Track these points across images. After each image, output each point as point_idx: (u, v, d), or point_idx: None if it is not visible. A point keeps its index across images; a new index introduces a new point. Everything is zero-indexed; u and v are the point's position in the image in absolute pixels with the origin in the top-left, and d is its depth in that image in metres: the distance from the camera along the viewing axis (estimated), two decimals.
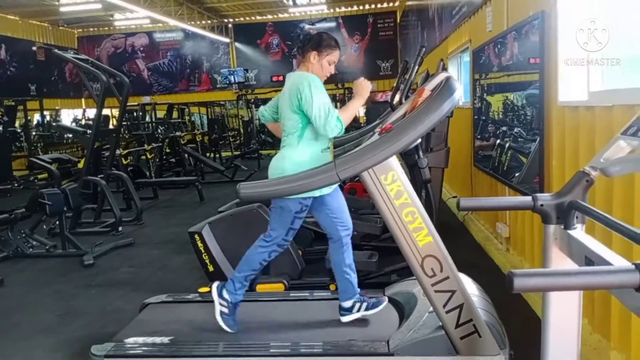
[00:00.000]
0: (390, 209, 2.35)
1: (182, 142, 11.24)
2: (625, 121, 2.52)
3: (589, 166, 1.65)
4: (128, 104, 7.61)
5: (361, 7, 18.94)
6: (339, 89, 16.49)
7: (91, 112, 18.65)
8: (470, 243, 5.33)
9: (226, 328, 2.91)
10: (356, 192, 6.35)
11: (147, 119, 15.42)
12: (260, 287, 3.73)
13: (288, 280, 3.80)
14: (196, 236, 3.95)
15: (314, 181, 2.34)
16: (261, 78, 19.29)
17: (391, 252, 4.20)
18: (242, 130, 18.24)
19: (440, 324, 2.40)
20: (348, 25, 19.06)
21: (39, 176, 10.79)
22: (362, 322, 2.90)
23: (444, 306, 2.34)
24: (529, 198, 1.68)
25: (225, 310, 2.93)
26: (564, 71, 3.28)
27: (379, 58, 18.94)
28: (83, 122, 17.27)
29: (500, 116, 4.89)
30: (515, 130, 4.43)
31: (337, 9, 19.00)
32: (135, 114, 16.60)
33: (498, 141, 4.89)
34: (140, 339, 2.82)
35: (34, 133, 14.98)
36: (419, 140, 2.68)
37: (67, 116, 19.35)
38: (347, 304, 2.93)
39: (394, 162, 2.37)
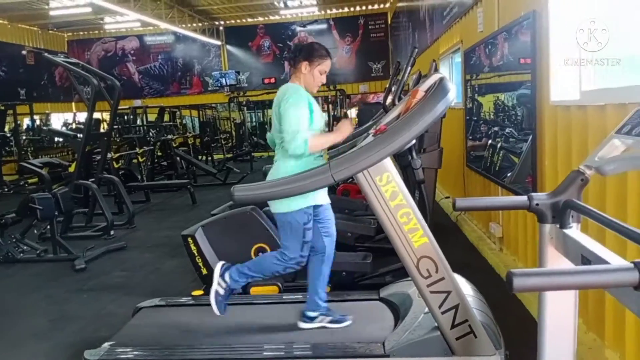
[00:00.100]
0: (386, 210, 2.35)
1: (174, 145, 11.19)
2: (618, 120, 2.53)
3: (584, 165, 1.65)
4: (119, 107, 7.56)
5: (352, 9, 18.97)
6: (331, 90, 16.50)
7: (81, 116, 18.55)
8: (464, 243, 5.34)
9: (216, 310, 2.84)
10: (349, 193, 6.36)
11: (138, 122, 15.34)
12: (254, 290, 3.72)
13: (282, 282, 3.79)
14: (189, 239, 3.93)
15: (308, 183, 2.33)
16: (253, 80, 19.26)
17: (385, 253, 4.20)
18: (234, 132, 18.21)
19: (436, 324, 2.40)
20: (339, 27, 19.09)
21: (29, 181, 10.69)
22: (357, 323, 2.89)
23: (440, 307, 2.33)
24: (524, 197, 1.67)
25: (222, 291, 2.87)
26: (555, 71, 3.29)
27: (370, 59, 18.98)
28: (74, 125, 17.13)
29: (492, 117, 4.91)
30: (507, 130, 4.45)
31: (328, 11, 19.03)
32: (126, 117, 16.53)
33: (490, 141, 4.90)
34: (134, 344, 2.80)
35: (24, 137, 14.85)
36: (414, 141, 2.68)
37: (57, 120, 19.21)
38: (311, 313, 2.92)
39: (389, 163, 2.37)
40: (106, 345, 2.79)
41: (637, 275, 0.93)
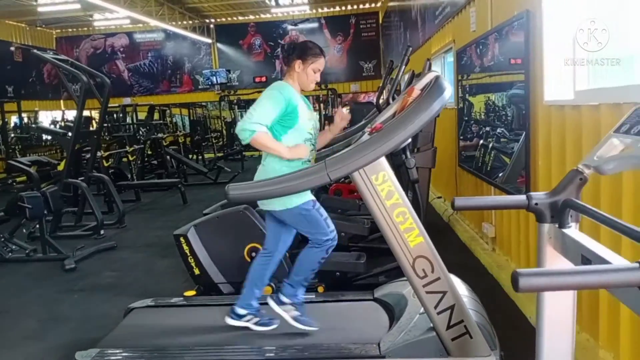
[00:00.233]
0: (382, 210, 2.33)
1: (165, 144, 11.10)
2: (612, 120, 2.54)
3: (582, 164, 1.64)
4: (109, 105, 7.48)
5: (344, 8, 18.96)
6: (322, 90, 16.47)
7: (70, 114, 18.38)
8: (456, 243, 5.35)
9: (309, 328, 2.80)
10: (342, 193, 6.35)
11: (128, 120, 15.22)
12: None
13: (275, 282, 3.75)
14: (181, 239, 3.89)
15: (304, 182, 2.30)
16: (244, 79, 19.19)
17: (379, 253, 4.19)
18: (224, 131, 18.12)
19: (431, 325, 2.38)
20: (331, 26, 19.07)
21: (18, 179, 10.56)
22: (351, 324, 2.87)
23: (435, 307, 2.32)
24: (523, 197, 1.67)
25: (297, 313, 2.82)
26: (549, 70, 3.30)
27: (361, 59, 18.99)
28: (62, 123, 16.96)
29: (483, 116, 4.92)
30: (498, 130, 4.46)
31: (320, 10, 19.00)
32: (115, 115, 16.40)
33: (481, 141, 4.91)
34: (126, 345, 2.76)
35: (12, 135, 14.67)
36: (409, 140, 2.66)
37: (46, 118, 19.02)
38: (241, 311, 2.90)
39: (385, 162, 2.35)
40: (98, 346, 2.75)
41: None
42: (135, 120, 14.69)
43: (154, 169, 11.59)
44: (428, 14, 8.05)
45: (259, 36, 19.34)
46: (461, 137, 5.74)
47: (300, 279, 2.85)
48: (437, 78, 2.42)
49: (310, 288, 3.68)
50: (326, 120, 13.57)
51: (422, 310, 2.48)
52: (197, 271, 3.88)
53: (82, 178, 6.83)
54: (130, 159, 9.66)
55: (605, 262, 1.28)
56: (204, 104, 19.48)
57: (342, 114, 3.04)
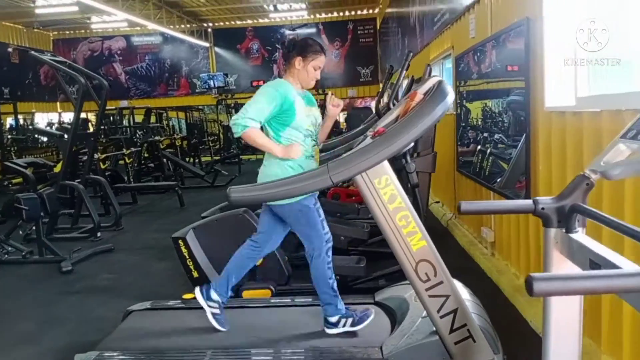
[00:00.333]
0: (384, 213, 2.32)
1: (162, 147, 11.08)
2: (614, 126, 2.56)
3: (589, 169, 1.64)
4: (106, 108, 7.46)
5: (341, 14, 19.03)
6: (320, 94, 16.48)
7: (66, 116, 18.31)
8: (455, 248, 5.35)
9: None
10: (340, 197, 6.35)
11: (125, 123, 15.18)
12: (246, 293, 3.67)
13: (275, 286, 3.75)
14: (180, 242, 3.87)
15: (306, 185, 2.29)
16: (241, 83, 19.21)
17: (378, 257, 4.19)
18: (221, 135, 18.10)
19: (434, 329, 2.37)
20: (328, 32, 19.13)
21: (13, 181, 10.50)
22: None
23: (438, 311, 2.31)
24: (529, 201, 1.67)
25: (351, 320, 2.78)
26: (550, 77, 3.31)
27: (359, 64, 19.05)
28: (58, 125, 16.89)
29: (481, 122, 4.94)
30: (496, 136, 4.48)
31: (318, 15, 19.05)
32: (112, 118, 16.35)
33: (479, 147, 4.93)
34: (125, 348, 2.74)
35: (9, 136, 14.59)
36: (412, 144, 2.66)
37: (42, 120, 18.92)
38: (214, 295, 2.94)
39: (388, 165, 2.35)
40: (96, 349, 2.73)
41: None
42: (132, 123, 14.67)
43: (150, 172, 11.56)
44: (427, 20, 8.08)
45: (257, 41, 19.37)
46: (459, 143, 5.75)
47: (328, 295, 2.80)
48: (440, 83, 2.42)
49: (311, 292, 3.68)
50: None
51: (424, 313, 2.48)
52: (195, 274, 3.85)
53: (79, 180, 6.80)
54: (127, 161, 9.63)
55: (615, 266, 1.28)
56: (200, 107, 19.46)
57: (334, 101, 2.99)
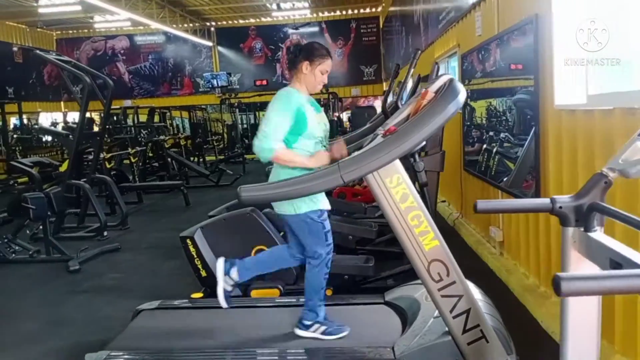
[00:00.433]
0: (396, 213, 2.31)
1: (166, 147, 11.08)
2: (627, 124, 2.54)
3: (607, 168, 1.62)
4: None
5: (344, 12, 19.01)
6: (323, 93, 16.48)
7: (70, 116, 18.34)
8: (462, 247, 5.32)
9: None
10: (345, 196, 6.34)
11: (129, 122, 15.19)
12: (255, 293, 3.67)
13: (283, 285, 3.74)
14: (188, 241, 3.86)
15: (317, 184, 2.28)
16: (244, 82, 19.21)
17: (386, 256, 4.18)
18: (225, 134, 18.11)
19: (446, 329, 2.36)
20: (331, 30, 19.11)
21: (19, 180, 10.52)
22: (364, 328, 2.85)
23: (451, 311, 2.29)
24: (547, 200, 1.65)
25: (323, 328, 2.78)
26: (560, 74, 3.28)
27: (362, 63, 19.02)
28: (62, 125, 16.91)
29: (485, 121, 4.92)
30: (502, 135, 4.46)
31: (320, 14, 19.02)
32: (115, 117, 16.36)
33: (485, 146, 4.91)
34: (135, 347, 2.73)
35: (15, 136, 14.62)
36: (423, 143, 2.65)
37: (45, 120, 18.97)
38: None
39: (399, 164, 2.34)
40: (107, 349, 2.72)
41: None
42: (136, 123, 14.67)
43: (155, 171, 11.56)
44: (431, 18, 8.06)
45: (260, 40, 19.36)
46: (466, 142, 5.73)
47: (314, 302, 2.81)
48: (451, 81, 2.41)
49: None
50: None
51: (436, 313, 2.46)
52: (203, 273, 3.85)
53: (85, 179, 6.80)
54: (133, 160, 9.63)
55: (637, 266, 1.26)
56: (203, 106, 19.45)
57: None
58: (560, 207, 1.64)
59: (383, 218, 4.77)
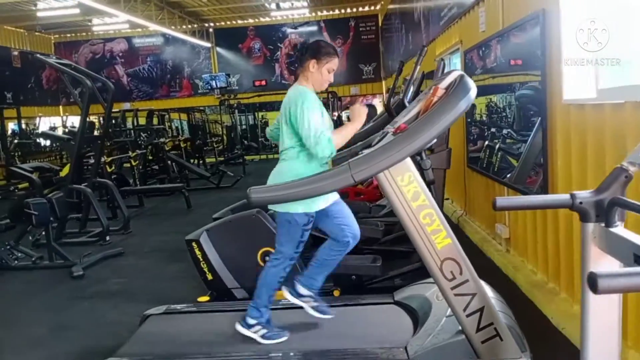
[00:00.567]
0: (408, 211, 2.28)
1: (166, 149, 11.05)
2: (638, 118, 2.51)
3: (627, 162, 1.60)
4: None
5: (343, 11, 18.95)
6: (323, 92, 16.44)
7: (69, 120, 18.30)
8: (467, 245, 5.28)
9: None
10: (348, 195, 6.30)
11: (129, 125, 15.15)
12: None
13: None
14: (193, 244, 3.83)
15: (328, 183, 2.25)
16: (244, 83, 19.15)
17: (392, 255, 4.15)
18: (225, 136, 18.06)
19: (460, 328, 2.33)
20: (330, 29, 19.05)
21: (19, 186, 10.49)
22: (375, 328, 2.81)
23: (464, 310, 2.26)
24: (566, 196, 1.62)
25: (264, 331, 2.78)
26: (569, 69, 3.25)
27: (361, 62, 18.96)
28: (61, 129, 16.87)
29: (487, 117, 4.89)
30: (505, 131, 4.43)
31: (319, 13, 18.97)
32: (114, 121, 16.32)
33: (487, 142, 4.88)
34: (145, 353, 2.70)
35: (16, 141, 14.57)
36: (435, 140, 2.61)
37: (44, 124, 18.91)
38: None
39: (410, 163, 2.31)
40: (116, 355, 2.68)
41: None
42: (135, 125, 14.64)
43: (155, 174, 11.53)
44: (432, 15, 8.02)
45: (259, 40, 19.30)
46: (470, 138, 5.70)
47: (262, 301, 2.80)
48: (461, 77, 2.38)
49: (327, 292, 3.64)
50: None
51: (448, 312, 2.43)
52: (209, 276, 3.82)
53: (86, 184, 6.77)
54: (133, 164, 9.59)
55: None
56: (201, 108, 19.41)
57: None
58: (581, 203, 1.61)
59: (388, 217, 4.76)
